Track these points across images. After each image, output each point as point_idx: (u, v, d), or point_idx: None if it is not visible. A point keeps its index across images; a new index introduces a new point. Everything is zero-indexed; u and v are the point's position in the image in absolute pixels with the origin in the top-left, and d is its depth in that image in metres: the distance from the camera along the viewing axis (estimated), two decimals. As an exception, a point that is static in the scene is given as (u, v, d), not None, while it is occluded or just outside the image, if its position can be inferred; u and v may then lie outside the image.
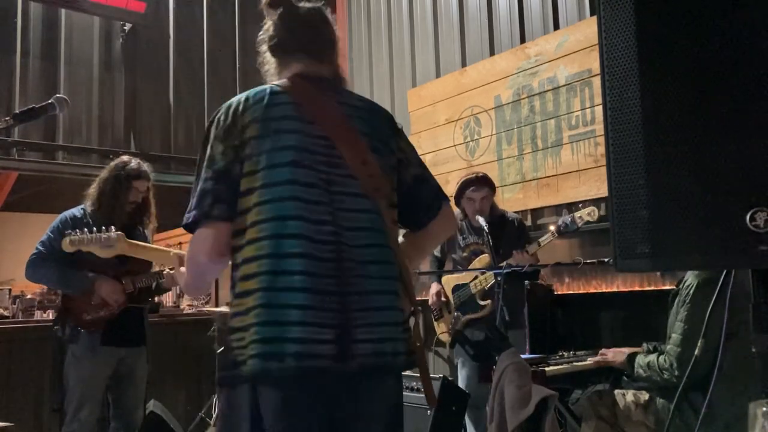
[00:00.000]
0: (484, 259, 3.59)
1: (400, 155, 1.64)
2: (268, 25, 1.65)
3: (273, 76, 1.65)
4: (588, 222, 3.27)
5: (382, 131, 1.62)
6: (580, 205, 3.65)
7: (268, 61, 1.66)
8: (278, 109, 1.50)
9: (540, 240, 3.38)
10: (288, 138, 1.47)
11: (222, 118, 1.51)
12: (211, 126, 1.52)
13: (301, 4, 1.66)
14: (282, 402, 1.36)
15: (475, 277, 3.65)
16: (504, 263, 3.35)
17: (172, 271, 3.24)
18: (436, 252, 3.94)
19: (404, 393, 3.64)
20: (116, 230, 3.05)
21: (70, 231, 2.81)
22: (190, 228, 1.48)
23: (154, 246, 2.54)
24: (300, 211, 1.42)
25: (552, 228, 3.41)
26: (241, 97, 1.54)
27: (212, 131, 1.50)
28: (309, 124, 1.50)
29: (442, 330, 3.87)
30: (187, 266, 1.53)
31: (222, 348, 1.49)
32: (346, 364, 1.38)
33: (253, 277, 1.40)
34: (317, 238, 1.42)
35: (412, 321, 1.58)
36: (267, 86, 1.55)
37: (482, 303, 3.61)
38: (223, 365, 1.41)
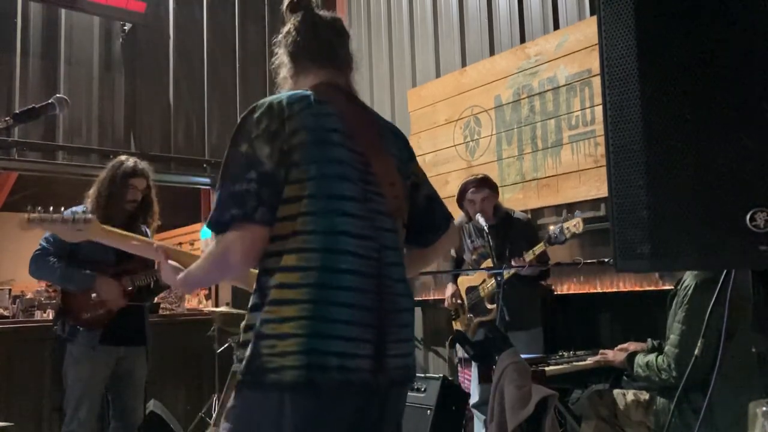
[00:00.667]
0: (487, 263, 3.58)
1: (414, 179, 1.69)
2: (289, 28, 1.62)
3: (287, 80, 1.62)
4: (574, 234, 3.28)
5: (403, 154, 1.66)
6: (576, 211, 3.63)
7: (284, 64, 1.63)
8: (327, 120, 1.49)
9: (534, 249, 3.39)
10: (336, 151, 1.47)
11: (264, 118, 1.44)
12: (249, 124, 1.45)
13: (321, 12, 1.64)
14: (317, 412, 1.38)
15: (483, 281, 3.66)
16: (505, 264, 3.35)
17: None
18: (453, 252, 3.95)
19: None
20: (123, 227, 3.07)
21: (31, 207, 2.46)
22: (221, 227, 1.42)
23: (133, 235, 2.30)
24: (349, 227, 1.44)
25: (552, 228, 3.41)
26: (279, 99, 1.48)
27: (252, 130, 1.44)
28: (350, 139, 1.50)
29: (459, 329, 3.88)
30: (211, 265, 1.48)
31: (240, 350, 1.47)
32: (380, 377, 1.43)
33: (297, 287, 1.39)
34: (363, 254, 1.45)
35: None
36: (308, 92, 1.51)
37: (489, 307, 3.61)
38: (250, 369, 1.38)
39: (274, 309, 1.39)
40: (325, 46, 1.61)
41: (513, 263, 3.37)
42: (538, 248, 3.35)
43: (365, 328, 1.42)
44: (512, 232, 3.61)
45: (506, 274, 3.38)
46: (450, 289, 3.87)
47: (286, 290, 1.39)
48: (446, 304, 3.89)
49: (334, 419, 1.40)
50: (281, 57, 1.64)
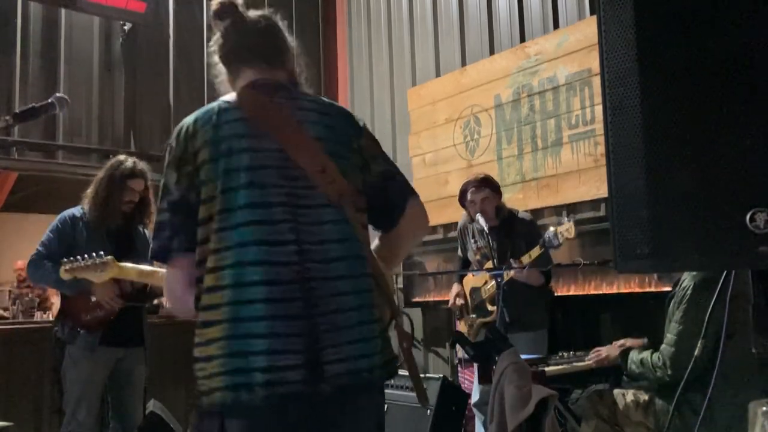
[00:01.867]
0: (487, 265, 3.57)
1: (365, 154, 1.58)
2: (218, 36, 1.64)
3: (227, 87, 1.62)
4: (567, 239, 3.27)
5: (341, 132, 1.55)
6: (575, 211, 3.64)
7: (221, 72, 1.65)
8: (228, 127, 1.46)
9: (530, 252, 3.37)
10: (241, 158, 1.42)
11: (174, 144, 1.48)
12: (166, 153, 1.49)
13: (250, 13, 1.63)
14: (252, 430, 1.35)
15: (485, 282, 3.65)
16: (504, 264, 3.34)
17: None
18: (459, 252, 3.96)
19: (403, 393, 3.66)
20: (114, 230, 3.09)
21: (65, 260, 2.95)
22: (153, 259, 1.50)
23: (142, 267, 2.66)
24: (260, 235, 1.38)
25: (552, 228, 3.41)
26: (191, 118, 1.50)
27: (167, 158, 1.48)
28: (262, 139, 1.45)
29: (464, 330, 3.87)
30: (167, 297, 1.55)
31: None
32: (318, 387, 1.35)
33: (216, 308, 1.37)
34: (280, 261, 1.38)
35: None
36: (216, 104, 1.51)
37: (490, 308, 3.60)
38: (194, 394, 1.40)
39: (200, 332, 1.40)
40: (252, 45, 1.59)
41: (513, 265, 3.37)
42: (534, 252, 3.34)
43: (291, 338, 1.34)
44: (514, 233, 3.60)
45: (506, 275, 3.39)
46: (455, 289, 3.88)
47: (208, 312, 1.39)
48: (450, 304, 3.89)
49: None
50: (216, 66, 1.66)
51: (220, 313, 1.37)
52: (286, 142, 1.46)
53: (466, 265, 3.91)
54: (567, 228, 3.23)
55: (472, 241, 3.77)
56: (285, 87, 1.57)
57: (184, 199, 1.44)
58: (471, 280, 3.81)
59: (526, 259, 3.36)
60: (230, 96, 1.54)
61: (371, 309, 1.46)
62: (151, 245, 1.48)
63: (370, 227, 1.60)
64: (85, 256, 2.90)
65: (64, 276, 2.91)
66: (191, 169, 1.44)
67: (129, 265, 2.57)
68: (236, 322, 1.35)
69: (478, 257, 3.73)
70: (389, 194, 1.59)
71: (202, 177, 1.43)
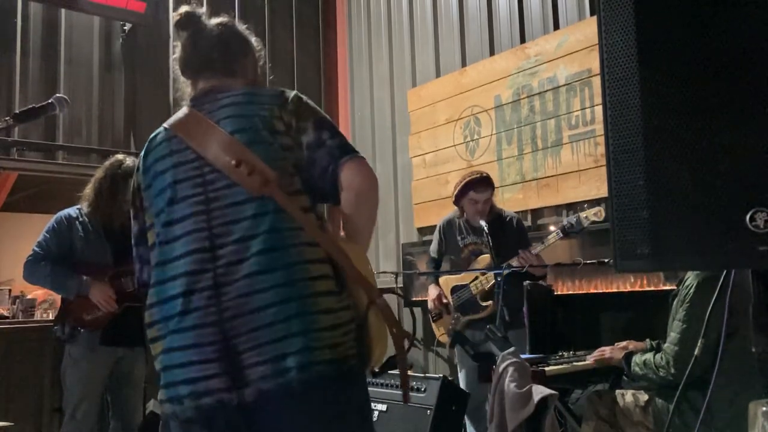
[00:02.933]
0: (485, 259, 3.58)
1: (292, 131, 1.47)
2: (178, 48, 1.66)
3: (188, 98, 1.64)
4: (594, 222, 3.25)
5: (261, 118, 1.46)
6: (586, 205, 3.63)
7: (183, 82, 1.67)
8: (154, 152, 1.53)
9: (544, 240, 3.36)
10: (164, 178, 1.48)
11: (132, 181, 1.59)
12: None
13: (210, 21, 1.64)
14: None
15: (475, 278, 3.63)
16: (505, 264, 3.35)
17: None
18: (433, 253, 3.91)
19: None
20: (112, 230, 3.08)
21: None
22: (142, 293, 1.55)
23: None
24: (177, 251, 1.41)
25: (552, 228, 3.40)
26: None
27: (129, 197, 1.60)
28: (182, 153, 1.48)
29: (441, 332, 3.85)
30: None
31: None
32: (242, 392, 1.30)
33: (153, 325, 1.44)
34: (194, 269, 1.38)
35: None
36: (153, 134, 1.58)
37: (483, 304, 3.59)
38: None
39: (151, 347, 1.47)
40: (206, 55, 1.61)
41: (520, 257, 3.34)
42: (551, 239, 3.33)
43: (204, 348, 1.33)
44: (504, 232, 3.60)
45: (486, 278, 3.40)
46: (434, 291, 3.79)
47: (149, 329, 1.46)
48: (430, 306, 3.81)
49: None
50: (180, 77, 1.68)
51: (155, 330, 1.43)
52: (200, 147, 1.44)
53: (437, 266, 3.87)
54: (596, 212, 3.20)
55: (459, 238, 3.74)
56: (217, 91, 1.55)
57: (141, 231, 1.54)
58: (452, 278, 3.78)
59: (540, 248, 3.36)
60: (170, 118, 1.58)
61: (310, 299, 1.34)
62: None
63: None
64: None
65: None
66: (138, 201, 1.54)
67: None
68: (163, 338, 1.41)
69: (464, 254, 3.69)
70: (320, 163, 1.46)
71: (145, 204, 1.52)
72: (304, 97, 1.54)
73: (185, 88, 1.65)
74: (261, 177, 1.38)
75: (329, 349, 1.33)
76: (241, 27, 1.67)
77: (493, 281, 3.45)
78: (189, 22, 1.62)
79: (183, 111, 1.55)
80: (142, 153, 1.55)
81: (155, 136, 1.55)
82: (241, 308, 1.33)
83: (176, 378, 1.36)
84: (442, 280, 3.83)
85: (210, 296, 1.35)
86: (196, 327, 1.35)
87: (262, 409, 1.32)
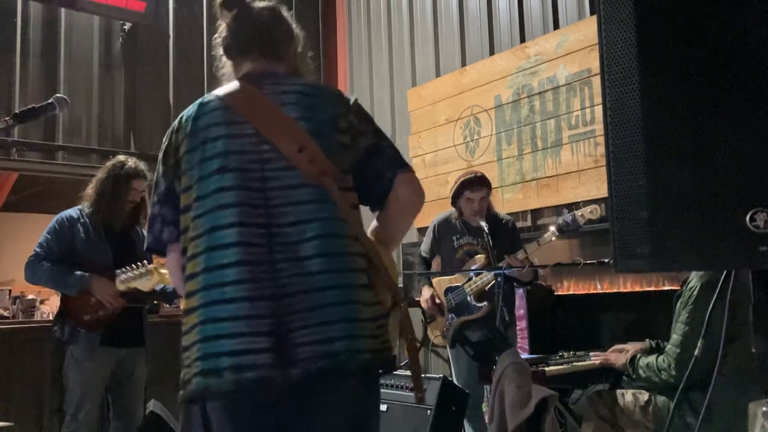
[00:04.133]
0: (480, 259, 3.57)
1: (353, 132, 1.53)
2: (222, 27, 1.64)
3: (231, 77, 1.63)
4: (590, 221, 3.24)
5: (324, 112, 1.51)
6: (581, 205, 3.64)
7: (225, 64, 1.66)
8: (206, 118, 1.49)
9: (539, 239, 3.36)
10: (215, 146, 1.44)
11: (164, 140, 1.54)
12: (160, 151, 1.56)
13: (255, 4, 1.63)
14: (227, 417, 1.34)
15: (469, 279, 3.62)
16: (503, 263, 3.35)
17: None
18: (424, 252, 3.88)
19: (402, 393, 3.64)
20: (113, 231, 3.10)
21: (119, 271, 3.00)
22: (148, 252, 1.55)
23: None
24: (229, 219, 1.38)
25: (552, 228, 3.40)
26: (179, 116, 1.55)
27: (160, 153, 1.55)
28: (239, 125, 1.46)
29: (435, 334, 3.82)
30: (175, 286, 1.59)
31: None
32: (287, 371, 1.30)
33: (194, 294, 1.39)
34: (248, 242, 1.37)
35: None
36: (200, 99, 1.55)
37: (478, 305, 3.57)
38: (180, 385, 1.41)
39: (185, 320, 1.41)
40: (254, 37, 1.60)
41: (507, 259, 3.34)
42: (545, 239, 3.32)
43: (258, 320, 1.32)
44: (499, 235, 3.60)
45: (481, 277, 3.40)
46: (427, 292, 3.74)
47: (188, 299, 1.40)
48: (424, 307, 3.75)
49: (249, 423, 1.34)
50: (220, 58, 1.67)
51: (196, 299, 1.38)
52: (262, 125, 1.45)
53: (428, 266, 3.84)
54: (591, 210, 3.19)
55: (454, 238, 3.71)
56: (274, 75, 1.58)
57: (169, 190, 1.49)
58: (445, 279, 3.75)
59: (533, 247, 3.35)
60: (218, 89, 1.57)
61: (356, 289, 1.40)
62: (145, 238, 1.53)
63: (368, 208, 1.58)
64: (134, 265, 3.00)
65: (120, 287, 2.99)
66: (173, 161, 1.49)
67: (165, 272, 2.64)
68: (207, 306, 1.36)
69: (459, 255, 3.67)
70: (376, 168, 1.53)
71: (182, 168, 1.47)
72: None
73: (226, 67, 1.65)
74: (319, 167, 1.42)
75: (371, 339, 1.38)
76: (287, 14, 1.66)
77: (492, 282, 3.44)
78: (234, 1, 1.61)
79: (236, 85, 1.54)
80: (190, 115, 1.51)
81: (207, 102, 1.52)
82: (299, 286, 1.35)
83: (220, 349, 1.31)
84: (435, 281, 3.80)
85: (266, 270, 1.35)
86: (251, 299, 1.33)
87: (305, 390, 1.33)
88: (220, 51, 1.65)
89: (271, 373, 1.30)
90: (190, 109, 1.53)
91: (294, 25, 1.67)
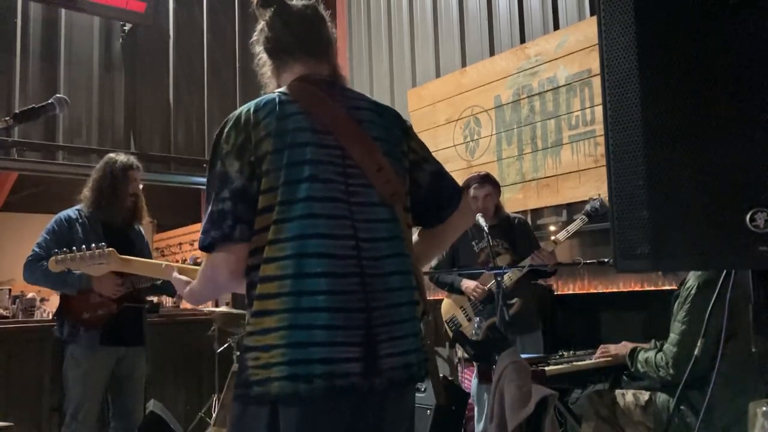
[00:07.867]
0: (504, 258, 3.49)
1: (413, 156, 1.62)
2: (262, 26, 1.61)
3: (271, 78, 1.61)
4: None
5: (393, 134, 1.58)
6: (581, 205, 3.63)
7: (266, 63, 1.63)
8: (291, 120, 1.45)
9: (568, 228, 3.30)
10: (303, 151, 1.43)
11: (232, 133, 1.45)
12: (220, 140, 1.46)
13: (294, 2, 1.61)
14: (308, 422, 1.35)
15: (492, 281, 3.55)
16: (528, 260, 3.31)
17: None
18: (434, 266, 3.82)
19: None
20: (111, 229, 3.06)
21: (56, 251, 2.78)
22: (206, 249, 1.45)
23: (145, 260, 2.58)
24: (320, 229, 1.39)
25: (553, 228, 3.39)
26: (248, 108, 1.48)
27: (222, 146, 1.45)
28: (322, 135, 1.46)
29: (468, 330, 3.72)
30: (203, 284, 1.52)
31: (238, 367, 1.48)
32: (374, 380, 1.38)
33: (275, 297, 1.37)
34: (339, 254, 1.40)
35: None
36: (274, 95, 1.49)
37: (510, 302, 3.41)
38: (239, 382, 1.40)
39: (256, 321, 1.39)
40: (300, 37, 1.58)
41: (535, 255, 3.27)
42: (574, 226, 3.28)
43: (351, 331, 1.37)
44: (516, 234, 3.57)
45: (510, 275, 3.35)
46: (470, 282, 3.57)
47: (265, 301, 1.38)
48: (478, 293, 3.54)
49: (327, 427, 1.36)
50: (259, 56, 1.63)
51: (279, 303, 1.37)
52: (345, 139, 1.48)
53: (449, 267, 3.73)
54: None
55: (473, 243, 3.64)
56: (334, 83, 1.58)
57: (246, 188, 1.42)
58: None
59: (563, 236, 3.31)
60: (286, 88, 1.53)
61: (416, 306, 1.51)
62: (209, 232, 1.42)
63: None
64: (83, 247, 2.80)
65: (54, 268, 2.71)
66: (253, 158, 1.42)
67: (129, 258, 2.56)
68: (298, 312, 1.36)
69: (481, 258, 3.60)
70: (443, 192, 1.66)
71: (264, 167, 1.42)
72: None
73: (266, 67, 1.63)
74: (393, 188, 1.50)
75: (423, 352, 1.51)
76: (326, 13, 1.64)
77: (516, 279, 3.37)
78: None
79: (306, 88, 1.51)
80: (270, 112, 1.45)
81: (282, 102, 1.47)
82: (383, 301, 1.42)
83: (311, 356, 1.33)
84: (452, 297, 3.71)
85: (356, 283, 1.40)
86: (343, 310, 1.37)
87: (387, 398, 1.43)
88: (259, 49, 1.63)
89: (361, 381, 1.37)
90: (266, 106, 1.46)
91: (331, 27, 1.66)
